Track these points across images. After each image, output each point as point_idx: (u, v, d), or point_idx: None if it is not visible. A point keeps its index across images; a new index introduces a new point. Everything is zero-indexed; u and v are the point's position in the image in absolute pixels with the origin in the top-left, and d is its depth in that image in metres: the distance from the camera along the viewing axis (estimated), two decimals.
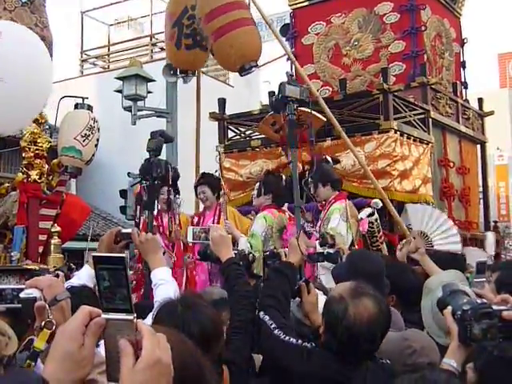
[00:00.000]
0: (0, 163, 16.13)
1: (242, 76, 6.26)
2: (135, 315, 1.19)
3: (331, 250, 5.48)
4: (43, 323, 1.80)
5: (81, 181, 14.92)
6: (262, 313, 2.90)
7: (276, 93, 4.04)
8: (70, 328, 1.18)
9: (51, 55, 5.67)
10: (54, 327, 1.79)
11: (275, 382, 2.84)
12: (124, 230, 3.41)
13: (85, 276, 3.27)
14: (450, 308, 2.15)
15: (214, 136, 9.19)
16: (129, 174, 13.72)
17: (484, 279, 3.87)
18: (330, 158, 6.42)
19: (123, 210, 13.62)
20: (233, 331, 2.80)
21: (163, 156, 5.89)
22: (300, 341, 2.73)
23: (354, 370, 2.60)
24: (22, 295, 1.94)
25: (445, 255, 5.23)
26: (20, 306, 1.96)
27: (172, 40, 6.60)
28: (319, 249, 5.75)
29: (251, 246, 6.00)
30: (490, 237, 8.34)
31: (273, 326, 2.81)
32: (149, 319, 2.57)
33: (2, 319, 1.89)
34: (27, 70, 4.45)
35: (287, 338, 2.74)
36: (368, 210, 6.37)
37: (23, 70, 4.42)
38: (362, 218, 6.24)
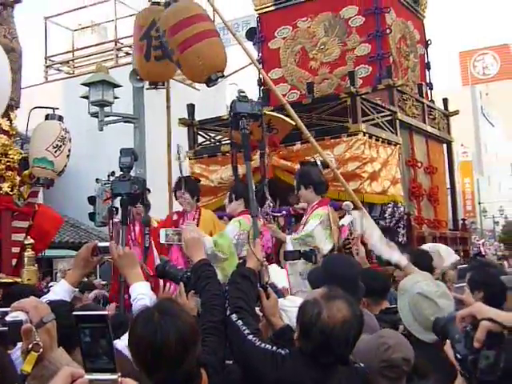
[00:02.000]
0: None
1: (209, 87, 6.29)
2: (119, 374, 1.17)
3: (307, 249, 5.56)
4: (30, 346, 1.79)
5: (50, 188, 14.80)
6: (234, 315, 2.88)
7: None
8: None
9: (20, 66, 5.65)
10: (40, 349, 1.79)
11: None
12: (101, 244, 3.40)
13: (61, 291, 3.25)
14: (448, 343, 2.14)
15: (183, 141, 9.20)
16: (97, 180, 13.67)
17: (464, 284, 3.97)
18: (319, 161, 6.43)
19: (92, 216, 13.54)
20: (206, 332, 2.76)
21: None
22: (274, 347, 2.76)
23: (329, 375, 2.63)
24: (8, 319, 1.90)
25: (413, 252, 5.34)
26: (6, 329, 1.94)
27: (141, 52, 6.60)
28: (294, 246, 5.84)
29: (215, 244, 5.98)
30: (443, 249, 8.18)
31: (246, 331, 2.81)
32: (124, 340, 2.57)
33: None
34: None
35: (262, 344, 2.76)
36: (349, 218, 6.41)
37: None
38: (343, 225, 6.28)
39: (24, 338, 1.81)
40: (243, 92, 3.89)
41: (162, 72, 6.73)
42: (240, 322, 2.85)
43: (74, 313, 1.21)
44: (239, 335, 2.82)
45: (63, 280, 3.41)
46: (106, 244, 3.43)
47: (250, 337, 2.78)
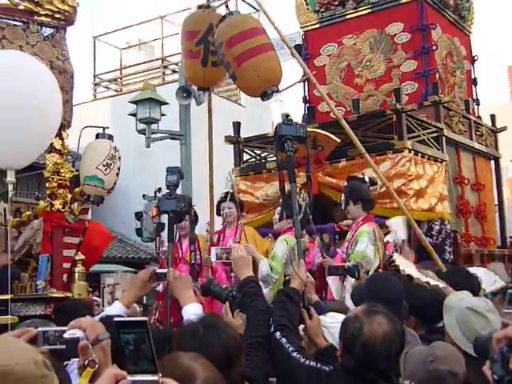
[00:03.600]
0: (16, 188, 16.29)
1: (263, 101, 6.35)
2: (161, 375, 1.22)
3: (350, 264, 5.56)
4: (86, 362, 1.87)
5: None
6: (278, 333, 2.94)
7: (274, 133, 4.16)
8: None
9: (72, 87, 5.81)
10: (96, 366, 1.87)
11: None
12: (159, 270, 3.52)
13: (115, 312, 3.35)
14: (487, 363, 2.16)
15: (228, 156, 9.29)
16: (144, 196, 13.88)
17: None
18: (367, 178, 6.44)
19: (139, 232, 13.72)
20: (251, 347, 2.80)
21: None
22: (319, 364, 2.79)
23: None
24: (65, 335, 1.99)
25: (460, 273, 5.27)
26: (64, 347, 2.03)
27: (197, 58, 6.68)
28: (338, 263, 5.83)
29: (271, 268, 6.07)
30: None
31: (290, 348, 2.85)
32: None
33: None
34: (35, 101, 4.46)
35: (306, 361, 2.80)
36: (394, 234, 6.41)
37: (31, 101, 4.42)
38: (388, 242, 6.26)
39: (80, 354, 1.89)
40: (288, 115, 3.94)
41: (217, 77, 6.83)
42: (284, 340, 2.90)
43: (115, 319, 1.24)
44: (283, 352, 2.87)
45: (117, 301, 3.52)
46: (164, 271, 3.53)
47: (295, 354, 2.82)
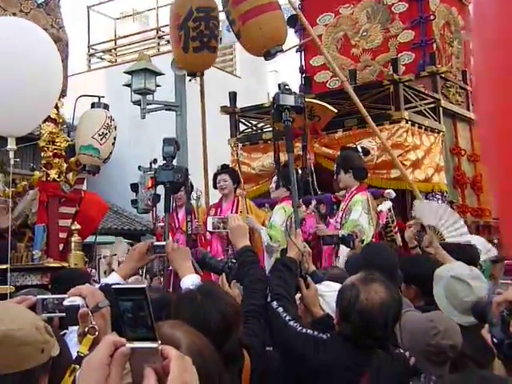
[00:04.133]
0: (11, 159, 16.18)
1: (266, 60, 6.28)
2: (160, 342, 1.19)
3: (345, 233, 5.58)
4: (86, 329, 1.88)
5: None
6: (274, 303, 2.94)
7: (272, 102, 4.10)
8: (95, 359, 1.17)
9: (67, 56, 5.75)
10: (96, 333, 1.87)
11: (289, 372, 2.89)
12: (157, 243, 3.53)
13: (115, 280, 3.36)
14: (486, 327, 2.17)
15: (224, 128, 9.25)
16: (139, 167, 13.83)
17: (510, 281, 3.93)
18: (360, 148, 6.42)
19: (134, 203, 13.69)
20: (248, 315, 2.81)
21: None
22: (315, 332, 2.80)
23: (369, 358, 2.67)
24: (65, 303, 2.00)
25: (458, 247, 5.26)
26: (63, 314, 2.02)
27: (179, 43, 6.62)
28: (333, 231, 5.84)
29: (270, 237, 6.08)
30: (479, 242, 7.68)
31: (287, 317, 2.86)
32: None
33: None
34: (35, 67, 4.39)
35: (303, 329, 2.81)
36: (388, 204, 6.41)
37: (31, 67, 4.36)
38: (381, 211, 6.28)
39: (81, 321, 1.91)
40: (287, 85, 3.89)
41: (201, 62, 6.75)
42: (281, 309, 2.91)
43: (114, 286, 1.22)
44: (280, 321, 2.87)
45: (114, 273, 3.53)
46: (163, 243, 3.53)
47: (291, 323, 2.83)
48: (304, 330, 2.80)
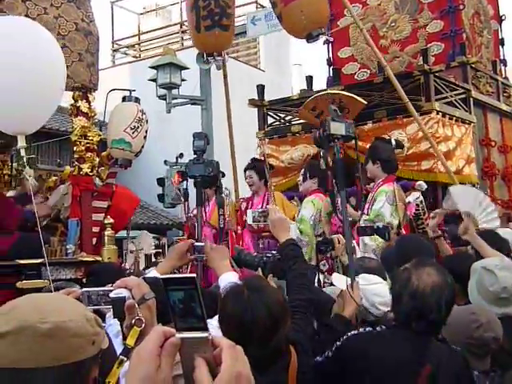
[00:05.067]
0: (38, 155, 16.34)
1: (308, 43, 6.20)
2: (210, 332, 1.18)
3: (380, 225, 5.52)
4: (133, 321, 1.86)
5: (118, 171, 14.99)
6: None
7: (320, 130, 3.87)
8: (145, 350, 1.16)
9: (98, 50, 5.74)
10: (143, 325, 1.85)
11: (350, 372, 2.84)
12: (198, 244, 3.52)
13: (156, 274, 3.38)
14: None
15: (252, 121, 9.22)
16: (165, 161, 13.82)
17: None
18: (394, 140, 6.34)
19: (161, 198, 13.74)
20: (294, 310, 2.77)
21: None
22: (368, 328, 2.78)
23: (427, 349, 2.62)
24: (112, 295, 1.99)
25: (490, 236, 5.19)
26: (109, 306, 2.01)
27: (193, 24, 6.59)
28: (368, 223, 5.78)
29: (301, 231, 6.05)
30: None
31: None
32: (215, 319, 2.62)
33: None
34: (40, 64, 4.33)
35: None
36: (416, 194, 6.34)
37: (33, 64, 4.31)
38: (409, 202, 6.21)
39: (127, 313, 1.89)
40: (336, 110, 3.70)
41: (215, 42, 6.69)
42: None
43: (163, 276, 1.21)
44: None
45: (154, 270, 3.54)
46: (202, 244, 3.53)
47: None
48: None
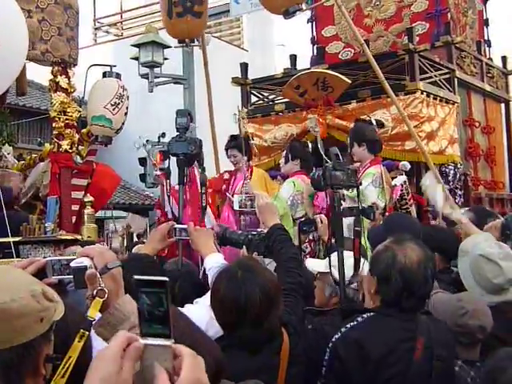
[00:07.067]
0: (18, 134, 16.15)
1: (285, 19, 6.12)
2: (173, 341, 1.19)
3: (365, 205, 5.48)
4: (95, 291, 1.76)
5: (99, 149, 14.81)
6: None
7: (318, 174, 3.67)
8: (109, 352, 1.18)
9: (77, 24, 5.63)
10: (106, 295, 1.76)
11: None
12: (179, 226, 3.54)
13: None
14: None
15: (235, 100, 9.13)
16: (147, 141, 13.70)
17: None
18: (374, 120, 6.30)
19: (142, 177, 13.65)
20: (285, 293, 2.77)
21: None
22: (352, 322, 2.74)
23: (417, 323, 2.63)
24: (72, 264, 1.88)
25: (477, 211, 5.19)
26: (71, 277, 1.93)
27: (164, 10, 6.50)
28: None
29: None
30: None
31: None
32: (205, 298, 2.58)
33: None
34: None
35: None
36: (402, 178, 6.32)
37: None
38: (395, 185, 6.19)
39: (88, 283, 1.79)
40: (337, 154, 3.54)
41: (187, 28, 6.57)
42: None
43: (135, 276, 1.20)
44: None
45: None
46: (184, 226, 3.53)
47: None
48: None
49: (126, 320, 1.70)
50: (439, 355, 2.58)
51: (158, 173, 5.60)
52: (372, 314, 2.69)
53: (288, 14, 5.86)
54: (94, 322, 1.73)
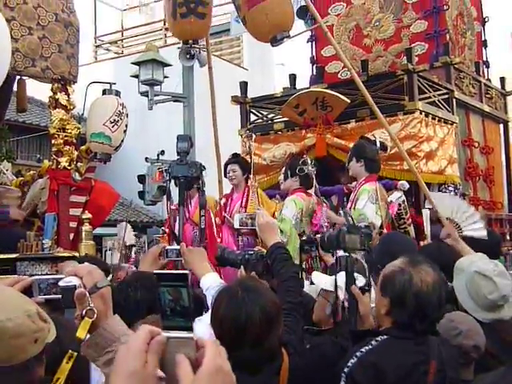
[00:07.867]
0: (17, 150, 16.17)
1: (273, 46, 6.14)
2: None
3: (362, 225, 5.46)
4: (84, 311, 1.72)
5: (98, 166, 14.82)
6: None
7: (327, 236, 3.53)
8: (133, 346, 1.18)
9: (78, 41, 5.64)
10: (94, 315, 1.72)
11: None
12: (170, 247, 3.54)
13: None
14: None
15: (234, 119, 9.14)
16: (146, 159, 13.70)
17: None
18: (378, 142, 6.29)
19: (141, 195, 13.63)
20: (285, 313, 2.73)
21: None
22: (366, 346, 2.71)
23: (429, 345, 2.60)
24: (61, 284, 1.83)
25: (482, 241, 5.15)
26: (59, 296, 1.90)
27: (169, 12, 6.55)
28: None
29: (281, 231, 5.97)
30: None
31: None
32: (207, 317, 2.56)
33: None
34: None
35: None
36: (398, 194, 6.33)
37: None
38: (391, 201, 6.20)
39: (77, 303, 1.74)
40: (351, 216, 3.57)
41: (191, 29, 6.59)
42: None
43: (155, 271, 1.29)
44: None
45: None
46: (176, 247, 3.54)
47: None
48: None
49: (116, 341, 1.67)
50: (451, 378, 2.57)
51: (173, 207, 5.64)
52: (386, 336, 2.67)
53: (276, 41, 5.88)
54: (82, 343, 1.70)
